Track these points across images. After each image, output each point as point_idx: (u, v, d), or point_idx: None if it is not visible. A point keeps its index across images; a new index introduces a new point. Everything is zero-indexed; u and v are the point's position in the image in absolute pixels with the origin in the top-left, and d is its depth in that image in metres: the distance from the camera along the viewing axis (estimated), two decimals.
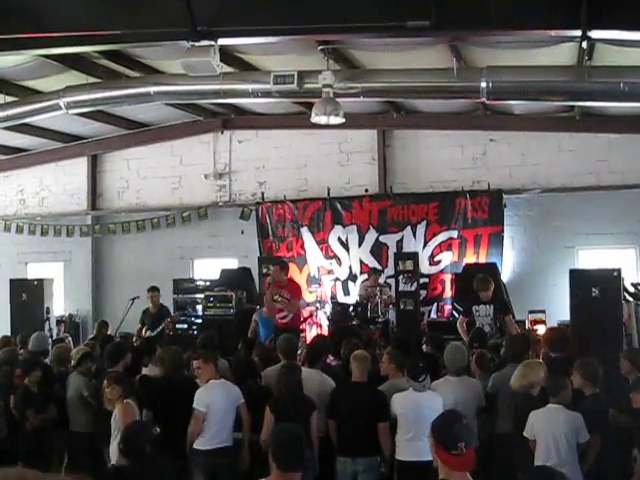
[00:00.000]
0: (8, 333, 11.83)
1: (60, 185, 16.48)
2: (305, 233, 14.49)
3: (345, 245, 14.25)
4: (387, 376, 7.43)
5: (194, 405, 6.88)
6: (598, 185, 12.99)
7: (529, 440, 6.34)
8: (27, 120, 12.53)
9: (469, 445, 3.56)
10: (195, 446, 6.89)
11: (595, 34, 7.57)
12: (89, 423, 7.77)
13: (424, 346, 9.13)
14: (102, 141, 15.88)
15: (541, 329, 10.66)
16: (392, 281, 13.05)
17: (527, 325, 11.37)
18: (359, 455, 6.75)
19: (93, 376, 8.09)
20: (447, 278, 13.52)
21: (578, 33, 7.55)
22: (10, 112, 11.69)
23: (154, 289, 12.55)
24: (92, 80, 11.10)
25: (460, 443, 3.51)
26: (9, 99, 11.69)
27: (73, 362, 8.31)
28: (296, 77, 9.85)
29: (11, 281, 14.05)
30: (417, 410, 6.69)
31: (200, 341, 8.76)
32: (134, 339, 11.87)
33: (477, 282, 10.08)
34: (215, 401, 6.92)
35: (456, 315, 11.54)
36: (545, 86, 9.50)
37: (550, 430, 6.21)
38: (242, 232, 15.01)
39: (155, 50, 10.10)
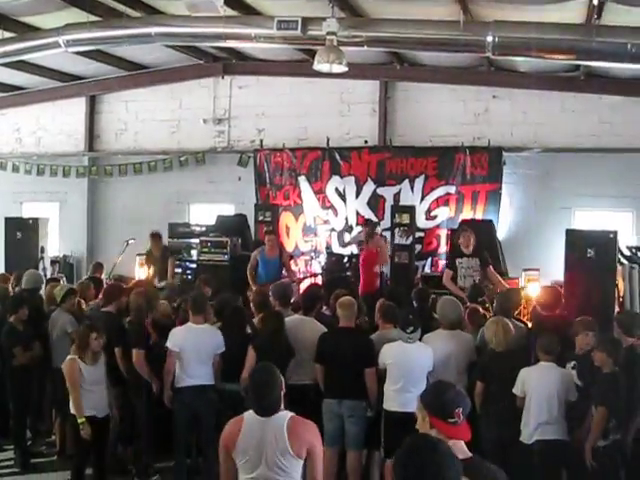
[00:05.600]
0: (1, 270, 11.83)
1: (57, 125, 16.32)
2: (303, 182, 14.42)
3: (342, 196, 14.19)
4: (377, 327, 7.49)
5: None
6: (599, 147, 12.88)
7: (517, 397, 6.41)
8: (25, 57, 12.35)
9: (465, 412, 3.52)
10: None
11: None
12: None
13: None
14: (101, 82, 15.68)
15: (534, 287, 10.69)
16: (388, 234, 13.06)
17: (522, 283, 11.39)
18: (345, 397, 6.86)
19: (78, 312, 8.15)
20: (443, 233, 13.49)
21: None
22: (8, 48, 11.49)
23: (155, 236, 12.25)
24: (92, 18, 10.89)
25: (457, 409, 3.47)
26: (7, 35, 11.50)
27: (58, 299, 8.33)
28: (300, 23, 9.67)
29: (6, 219, 13.99)
30: (406, 361, 6.76)
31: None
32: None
33: (458, 234, 10.15)
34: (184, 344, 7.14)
35: None
36: (551, 43, 9.35)
37: (544, 388, 6.27)
38: (239, 179, 14.94)
39: None
